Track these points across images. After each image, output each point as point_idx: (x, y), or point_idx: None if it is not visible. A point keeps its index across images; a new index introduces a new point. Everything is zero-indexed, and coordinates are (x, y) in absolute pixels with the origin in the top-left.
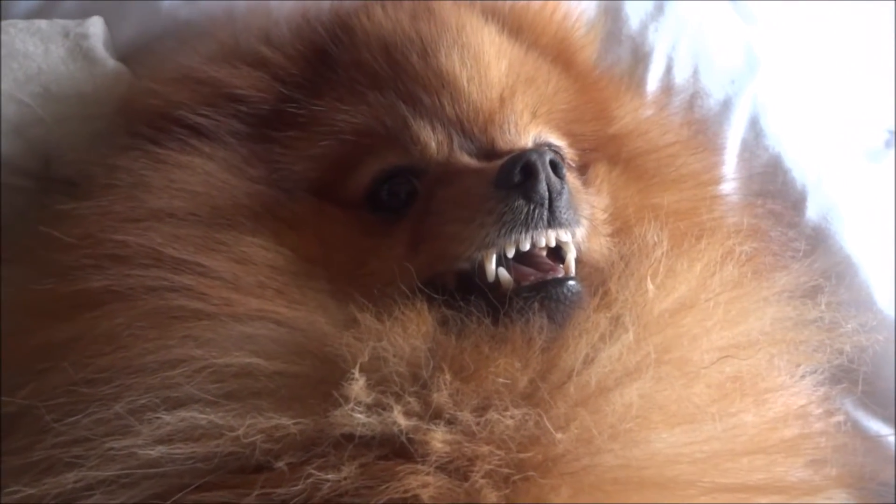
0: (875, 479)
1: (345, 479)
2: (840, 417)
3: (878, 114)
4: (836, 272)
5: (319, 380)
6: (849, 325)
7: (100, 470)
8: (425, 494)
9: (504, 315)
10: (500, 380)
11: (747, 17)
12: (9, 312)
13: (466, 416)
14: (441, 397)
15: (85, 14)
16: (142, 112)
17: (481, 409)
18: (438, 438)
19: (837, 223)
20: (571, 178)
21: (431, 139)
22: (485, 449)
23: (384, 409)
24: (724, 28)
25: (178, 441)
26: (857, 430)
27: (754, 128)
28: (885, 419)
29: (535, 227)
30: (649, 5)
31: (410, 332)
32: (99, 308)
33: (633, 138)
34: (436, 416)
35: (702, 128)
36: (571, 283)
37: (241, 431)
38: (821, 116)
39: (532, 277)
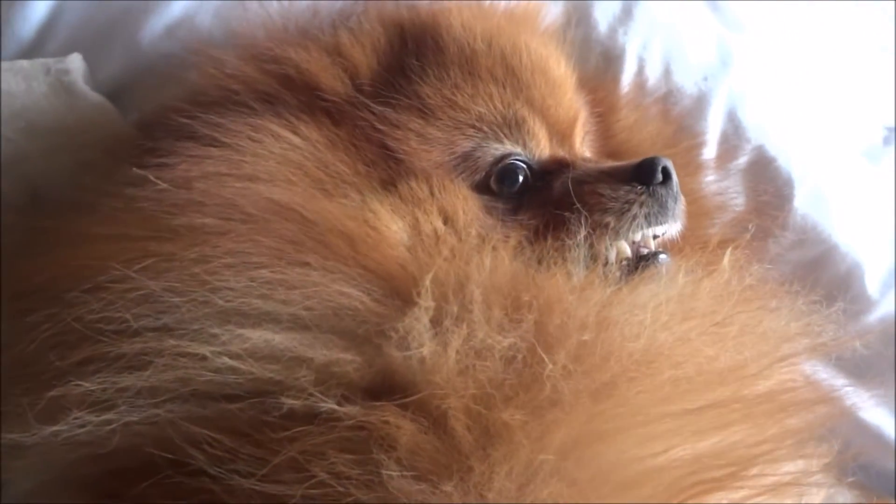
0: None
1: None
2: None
3: (874, 110)
4: (822, 260)
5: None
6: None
7: (165, 373)
8: None
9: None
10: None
11: (734, 25)
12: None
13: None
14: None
15: (70, 52)
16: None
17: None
18: None
19: (825, 211)
20: None
21: (544, 136)
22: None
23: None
24: (695, 25)
25: (247, 358)
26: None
27: (732, 120)
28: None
29: (675, 218)
30: (617, 8)
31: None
32: (203, 236)
33: (628, 147)
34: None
35: (679, 124)
36: (664, 255)
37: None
38: (807, 109)
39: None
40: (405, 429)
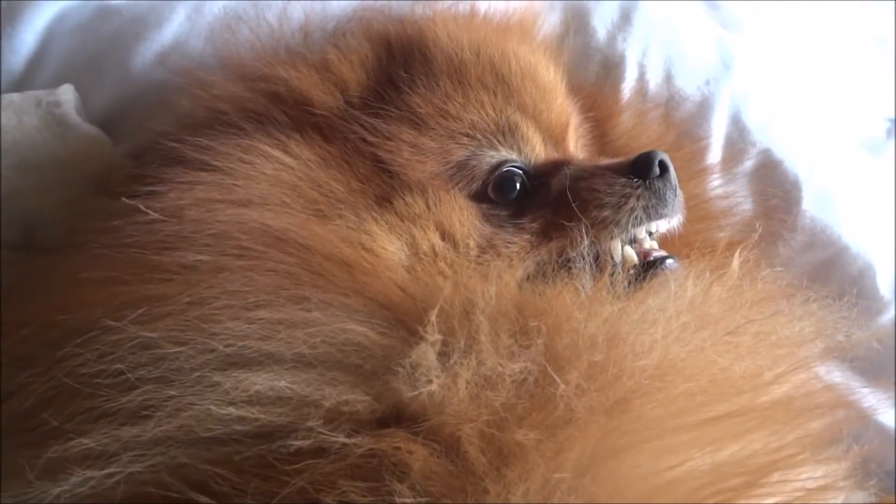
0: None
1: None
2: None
3: (875, 103)
4: (833, 261)
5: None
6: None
7: (167, 424)
8: None
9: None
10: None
11: (732, 24)
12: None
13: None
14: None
15: (62, 83)
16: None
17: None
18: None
19: (833, 212)
20: None
21: (538, 141)
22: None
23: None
24: (694, 27)
25: (253, 405)
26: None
27: (736, 123)
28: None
29: (674, 212)
30: (615, 15)
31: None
32: (197, 275)
33: (628, 152)
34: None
35: (681, 128)
36: (671, 260)
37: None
38: (809, 107)
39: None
40: (417, 454)
